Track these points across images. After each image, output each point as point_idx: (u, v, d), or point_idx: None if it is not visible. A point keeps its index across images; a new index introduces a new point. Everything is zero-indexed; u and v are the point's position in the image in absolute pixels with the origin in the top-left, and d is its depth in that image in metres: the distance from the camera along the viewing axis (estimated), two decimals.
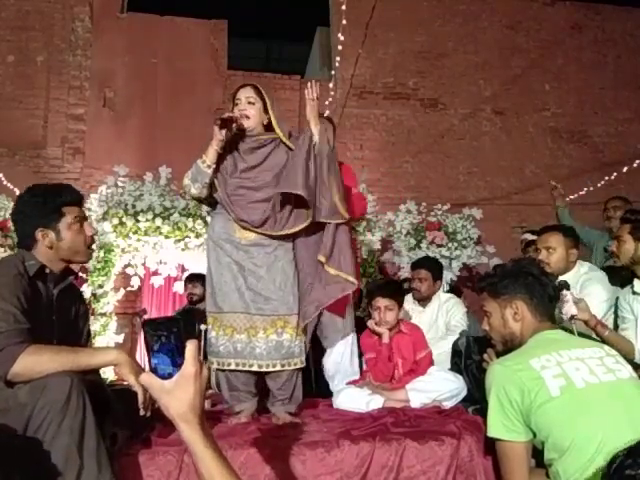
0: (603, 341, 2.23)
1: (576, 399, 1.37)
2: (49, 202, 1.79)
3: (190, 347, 0.93)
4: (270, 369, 2.33)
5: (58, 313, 1.80)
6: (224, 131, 2.27)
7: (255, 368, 2.32)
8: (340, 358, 2.90)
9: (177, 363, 0.92)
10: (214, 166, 2.34)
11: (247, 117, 2.36)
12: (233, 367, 2.33)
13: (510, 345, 1.66)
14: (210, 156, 2.32)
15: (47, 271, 1.78)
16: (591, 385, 1.39)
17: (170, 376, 0.92)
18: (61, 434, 1.45)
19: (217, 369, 2.40)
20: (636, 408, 1.37)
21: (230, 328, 2.35)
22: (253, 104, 2.38)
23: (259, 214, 2.34)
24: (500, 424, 1.43)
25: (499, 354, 1.75)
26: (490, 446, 1.64)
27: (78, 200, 1.89)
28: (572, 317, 2.12)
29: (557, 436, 1.35)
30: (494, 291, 1.67)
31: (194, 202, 4.96)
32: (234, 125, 2.31)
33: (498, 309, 1.66)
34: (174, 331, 0.94)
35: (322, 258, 2.38)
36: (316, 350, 2.92)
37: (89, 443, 1.49)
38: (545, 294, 1.63)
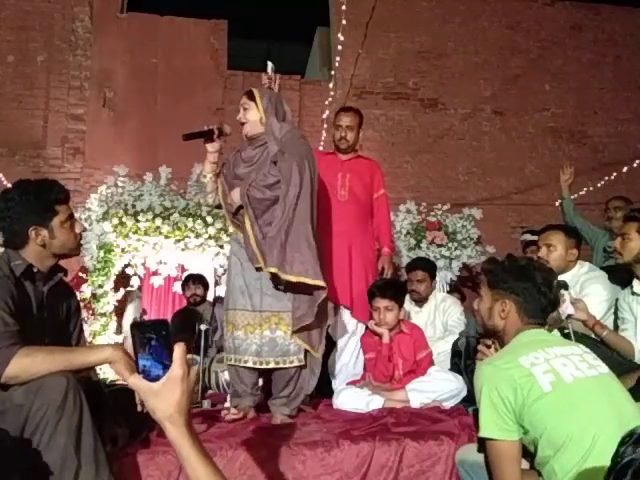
0: (602, 341, 2.24)
1: (567, 394, 1.38)
2: (41, 200, 1.76)
3: (178, 349, 0.94)
4: (264, 366, 2.36)
5: (48, 311, 1.79)
6: (210, 143, 2.45)
7: (250, 364, 2.37)
8: (348, 359, 2.94)
9: (165, 365, 0.93)
10: (210, 175, 2.51)
11: (243, 123, 2.51)
12: (233, 362, 2.41)
13: (492, 335, 1.69)
14: (206, 167, 2.51)
15: (35, 270, 1.75)
16: (578, 379, 1.41)
17: (158, 378, 0.93)
18: (58, 434, 1.45)
19: (228, 365, 2.49)
20: (619, 402, 1.40)
21: (231, 325, 2.41)
22: (247, 109, 2.50)
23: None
24: (493, 424, 1.42)
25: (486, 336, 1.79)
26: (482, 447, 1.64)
27: (67, 197, 1.87)
28: (569, 317, 2.13)
29: (552, 431, 1.36)
30: (492, 281, 1.67)
31: (194, 202, 4.98)
32: (216, 135, 2.44)
33: (489, 299, 1.66)
34: (162, 334, 0.94)
35: (273, 269, 2.26)
36: None
37: (86, 443, 1.49)
38: (539, 304, 1.61)
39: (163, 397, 0.93)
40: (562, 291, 2.16)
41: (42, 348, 1.58)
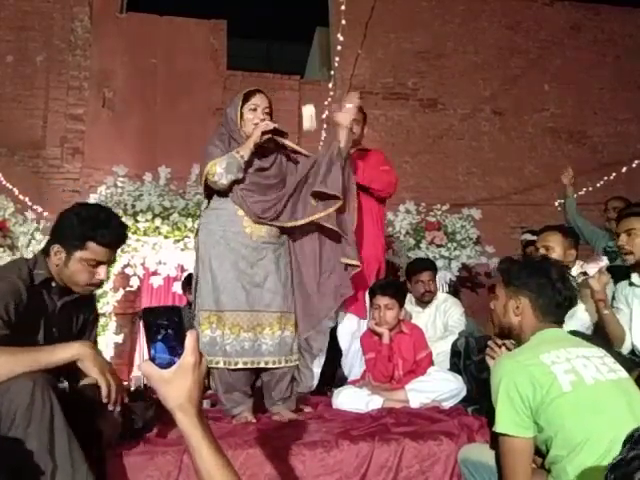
0: (595, 335, 2.25)
1: (587, 395, 1.38)
2: (80, 229, 1.75)
3: (190, 337, 0.93)
4: (277, 365, 2.39)
5: (59, 325, 1.78)
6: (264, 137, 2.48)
7: (262, 365, 2.38)
8: (353, 359, 2.94)
9: (177, 353, 0.92)
10: (247, 158, 2.46)
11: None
12: (241, 366, 2.35)
13: (508, 334, 1.67)
14: (247, 152, 2.43)
15: (53, 284, 1.76)
16: (599, 382, 1.40)
17: (169, 366, 0.92)
18: (29, 439, 1.41)
19: (225, 369, 2.37)
20: (638, 406, 1.39)
21: (237, 327, 2.36)
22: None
23: (270, 211, 2.46)
24: (509, 419, 1.42)
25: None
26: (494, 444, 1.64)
27: (110, 244, 1.81)
28: (584, 273, 2.19)
29: (568, 432, 1.35)
30: (507, 279, 1.68)
31: (193, 202, 4.98)
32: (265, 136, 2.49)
33: (504, 297, 1.67)
34: (175, 320, 0.93)
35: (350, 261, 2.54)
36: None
37: (60, 443, 1.45)
38: (554, 300, 1.61)
39: (174, 385, 0.92)
40: (604, 257, 2.27)
41: (5, 349, 1.51)
